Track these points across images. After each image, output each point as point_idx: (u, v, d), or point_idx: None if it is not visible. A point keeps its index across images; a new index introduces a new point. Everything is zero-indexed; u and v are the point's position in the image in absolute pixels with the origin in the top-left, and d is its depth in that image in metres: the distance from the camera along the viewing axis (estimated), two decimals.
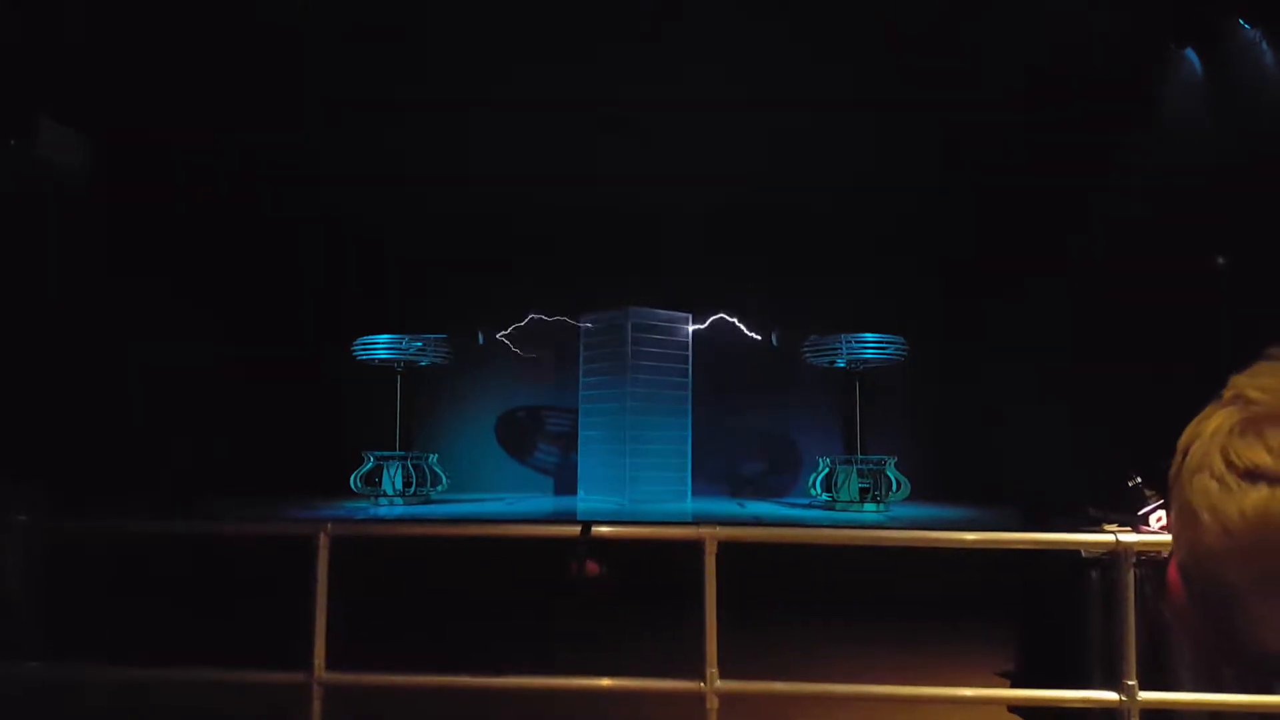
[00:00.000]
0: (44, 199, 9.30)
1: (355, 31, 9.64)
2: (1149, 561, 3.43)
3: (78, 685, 3.73)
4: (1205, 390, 0.78)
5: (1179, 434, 0.78)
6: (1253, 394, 0.71)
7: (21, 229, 8.89)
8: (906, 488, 9.99)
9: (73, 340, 9.07)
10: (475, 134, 10.97)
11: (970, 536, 4.17)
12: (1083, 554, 3.78)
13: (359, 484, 10.39)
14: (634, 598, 5.16)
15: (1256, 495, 0.67)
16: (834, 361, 10.72)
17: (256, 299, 10.97)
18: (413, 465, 10.52)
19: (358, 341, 10.77)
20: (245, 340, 10.79)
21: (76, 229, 9.47)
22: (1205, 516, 0.70)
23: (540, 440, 12.70)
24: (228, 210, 10.80)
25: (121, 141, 10.04)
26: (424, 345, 10.87)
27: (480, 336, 11.79)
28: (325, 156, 11.17)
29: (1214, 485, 0.70)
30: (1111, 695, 3.02)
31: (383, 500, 10.25)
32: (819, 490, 10.31)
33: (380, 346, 10.72)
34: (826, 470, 10.29)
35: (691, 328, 11.30)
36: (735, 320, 11.60)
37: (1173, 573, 0.77)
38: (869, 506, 9.81)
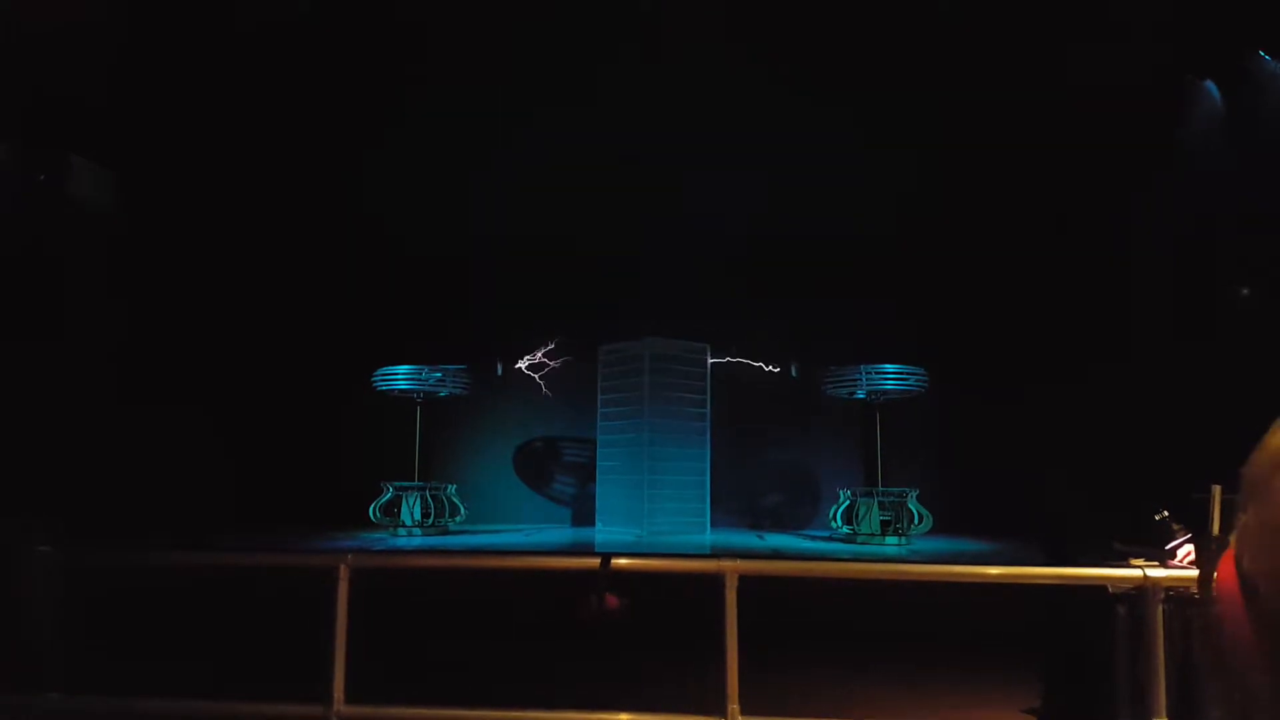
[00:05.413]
0: (72, 233, 9.47)
1: (374, 59, 9.90)
2: (1178, 598, 3.36)
3: (96, 717, 3.73)
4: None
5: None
6: None
7: (49, 263, 9.06)
8: (929, 520, 9.87)
9: (94, 373, 9.19)
10: (498, 168, 11.15)
11: (994, 571, 4.12)
12: (1110, 589, 3.71)
13: (378, 514, 10.38)
14: (654, 631, 5.11)
15: None
16: (853, 393, 10.67)
17: (276, 329, 11.06)
18: (431, 496, 10.52)
19: (377, 372, 10.83)
20: (264, 371, 10.89)
21: (101, 262, 9.64)
22: None
23: (558, 471, 12.67)
24: (247, 242, 10.96)
25: (146, 173, 10.23)
26: (443, 376, 10.91)
27: (499, 367, 11.82)
28: (348, 190, 11.34)
29: None
30: None
31: (401, 531, 10.24)
32: (839, 523, 10.20)
33: (400, 377, 10.77)
34: (847, 503, 10.19)
35: (710, 358, 11.28)
36: (754, 350, 11.59)
37: (1235, 599, 0.76)
38: (890, 539, 9.69)
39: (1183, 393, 7.84)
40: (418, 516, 10.33)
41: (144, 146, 10.12)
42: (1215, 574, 0.83)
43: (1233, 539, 0.84)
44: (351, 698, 3.27)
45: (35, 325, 8.68)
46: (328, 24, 9.83)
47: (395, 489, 10.43)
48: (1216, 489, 3.34)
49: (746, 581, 3.24)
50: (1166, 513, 3.92)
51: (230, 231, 10.84)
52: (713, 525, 11.01)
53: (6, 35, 7.84)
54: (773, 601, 4.50)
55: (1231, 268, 8.01)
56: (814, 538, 10.63)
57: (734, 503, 11.92)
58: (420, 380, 10.82)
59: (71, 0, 8.30)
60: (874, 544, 9.66)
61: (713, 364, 11.27)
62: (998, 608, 5.52)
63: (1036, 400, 9.62)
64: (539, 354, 11.81)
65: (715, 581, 3.19)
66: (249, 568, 5.73)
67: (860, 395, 10.68)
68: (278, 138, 10.64)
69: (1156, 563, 3.66)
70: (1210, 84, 8.95)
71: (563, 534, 11.40)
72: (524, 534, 10.74)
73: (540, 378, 11.85)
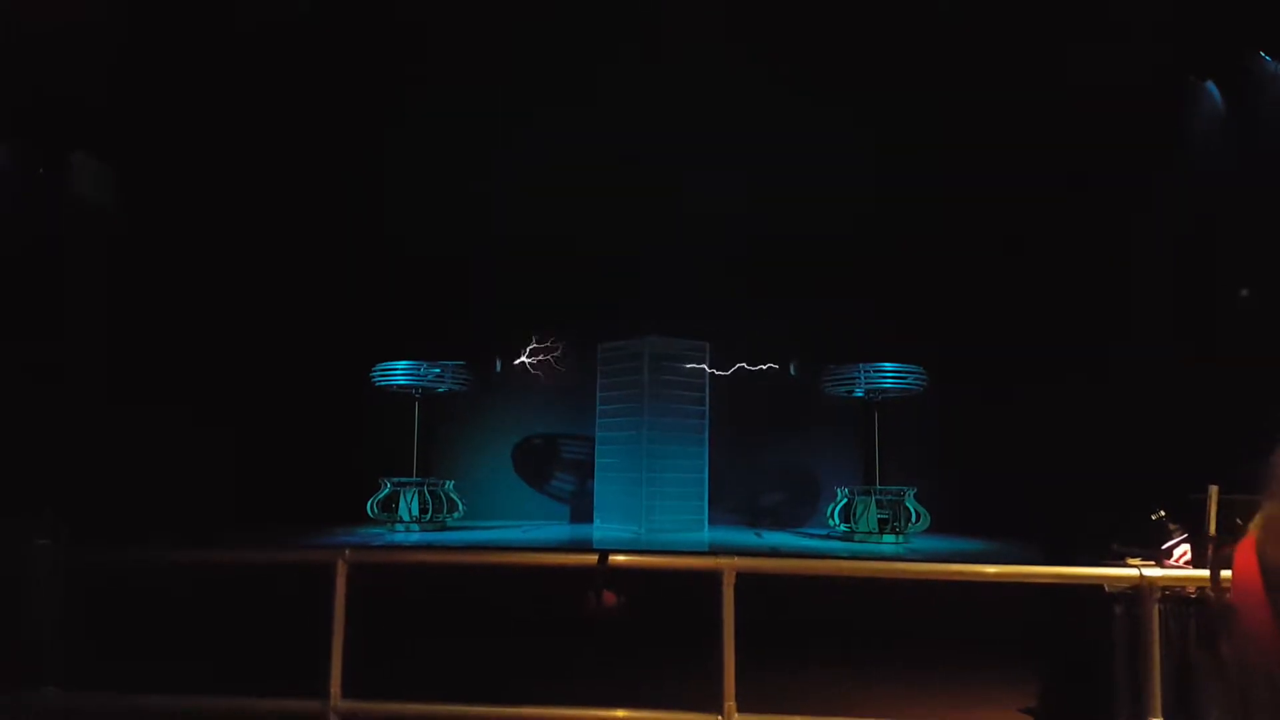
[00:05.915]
0: (72, 231, 9.48)
1: (374, 59, 9.94)
2: (1174, 597, 3.37)
3: (95, 713, 3.74)
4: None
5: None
6: None
7: (49, 262, 9.07)
8: (926, 519, 9.88)
9: (93, 371, 9.19)
10: (498, 168, 11.18)
11: (991, 570, 4.12)
12: (1106, 589, 3.72)
13: (375, 510, 10.38)
14: (651, 628, 5.11)
15: None
16: (852, 391, 10.67)
17: (277, 328, 11.07)
18: (429, 492, 10.52)
19: (376, 367, 10.82)
20: (265, 369, 10.89)
21: (101, 260, 9.65)
22: None
23: (557, 468, 12.68)
24: (248, 241, 10.96)
25: (147, 171, 10.24)
26: (442, 371, 10.91)
27: (498, 363, 11.82)
28: (348, 189, 11.35)
29: None
30: None
31: (399, 527, 10.25)
32: (837, 521, 10.21)
33: (399, 372, 10.76)
34: (845, 501, 10.20)
35: (709, 356, 11.27)
36: (753, 349, 11.59)
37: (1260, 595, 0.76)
38: (888, 538, 9.71)
39: (1181, 393, 7.84)
40: (416, 512, 10.34)
41: (144, 145, 10.12)
42: (1233, 566, 0.83)
43: (1252, 530, 0.84)
44: (349, 693, 3.28)
45: (35, 325, 8.68)
46: (328, 24, 9.83)
47: (393, 484, 10.43)
48: (1213, 489, 3.35)
49: (744, 579, 3.25)
50: (1163, 513, 3.93)
51: (231, 230, 10.84)
52: (711, 523, 11.02)
53: (6, 35, 7.83)
54: (770, 599, 4.51)
55: (1231, 268, 8.02)
56: (812, 536, 10.64)
57: (732, 500, 11.93)
58: (419, 376, 10.81)
59: (71, 0, 8.30)
60: (871, 542, 9.68)
61: (711, 361, 11.25)
62: (995, 607, 5.54)
63: (1034, 400, 9.63)
64: (537, 348, 11.76)
65: (713, 579, 3.20)
66: (247, 564, 5.74)
67: (859, 394, 10.69)
68: (278, 137, 10.65)
69: (1153, 562, 3.66)
70: (1210, 84, 8.95)
71: (561, 531, 11.40)
72: (522, 530, 10.74)
73: (538, 370, 11.80)
